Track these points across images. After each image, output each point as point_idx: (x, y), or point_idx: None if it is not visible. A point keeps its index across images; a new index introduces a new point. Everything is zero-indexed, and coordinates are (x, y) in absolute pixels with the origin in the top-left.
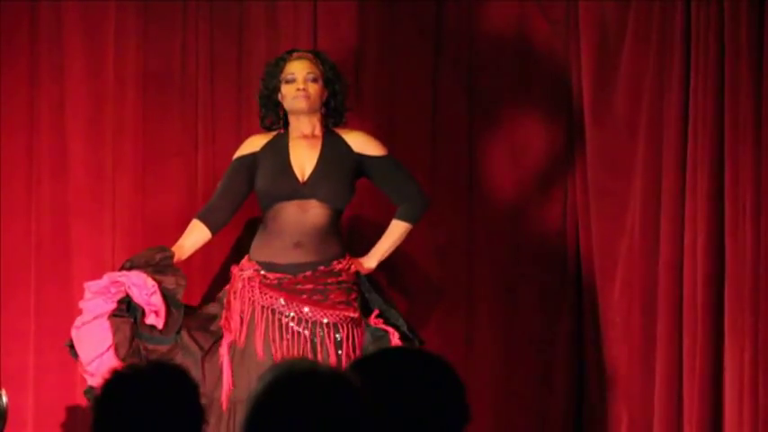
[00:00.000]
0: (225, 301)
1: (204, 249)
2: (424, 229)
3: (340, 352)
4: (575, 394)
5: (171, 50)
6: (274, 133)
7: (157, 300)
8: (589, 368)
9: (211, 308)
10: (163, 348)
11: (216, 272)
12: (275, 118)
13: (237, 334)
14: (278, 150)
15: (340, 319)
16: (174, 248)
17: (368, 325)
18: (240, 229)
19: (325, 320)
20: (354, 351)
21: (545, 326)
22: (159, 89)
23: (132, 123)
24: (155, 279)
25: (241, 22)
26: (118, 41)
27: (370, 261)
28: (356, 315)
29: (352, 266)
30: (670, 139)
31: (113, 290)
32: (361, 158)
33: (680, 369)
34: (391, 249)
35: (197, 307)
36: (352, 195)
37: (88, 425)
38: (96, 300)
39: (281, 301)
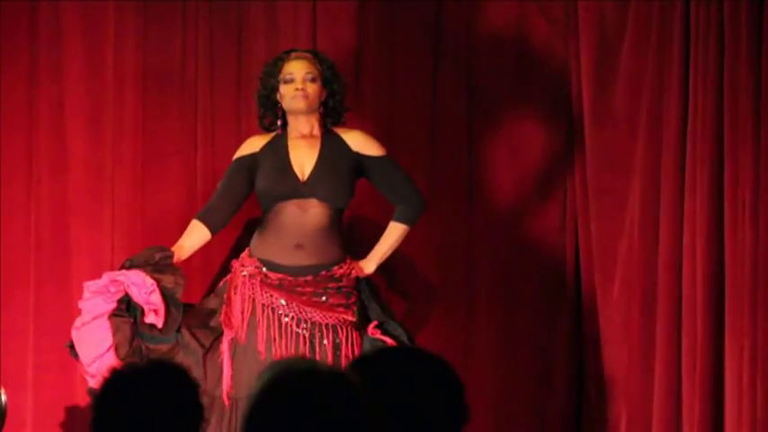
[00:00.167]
0: (225, 296)
1: (204, 249)
2: (424, 230)
3: (338, 352)
4: (574, 394)
5: (170, 50)
6: (273, 134)
7: (156, 298)
8: (589, 368)
9: (211, 302)
10: (164, 347)
11: (215, 271)
12: (274, 118)
13: (238, 331)
14: (277, 150)
15: (339, 321)
16: (173, 248)
17: (366, 335)
18: (240, 229)
19: (325, 323)
20: (353, 354)
21: (545, 326)
22: (159, 88)
23: (132, 123)
24: (153, 278)
25: (240, 22)
26: (117, 41)
27: (370, 264)
28: (354, 319)
29: (353, 272)
30: (669, 138)
31: (113, 289)
32: (360, 158)
33: (679, 368)
34: (390, 251)
35: (196, 303)
36: (352, 194)
37: (87, 424)
38: (95, 299)
39: (282, 301)
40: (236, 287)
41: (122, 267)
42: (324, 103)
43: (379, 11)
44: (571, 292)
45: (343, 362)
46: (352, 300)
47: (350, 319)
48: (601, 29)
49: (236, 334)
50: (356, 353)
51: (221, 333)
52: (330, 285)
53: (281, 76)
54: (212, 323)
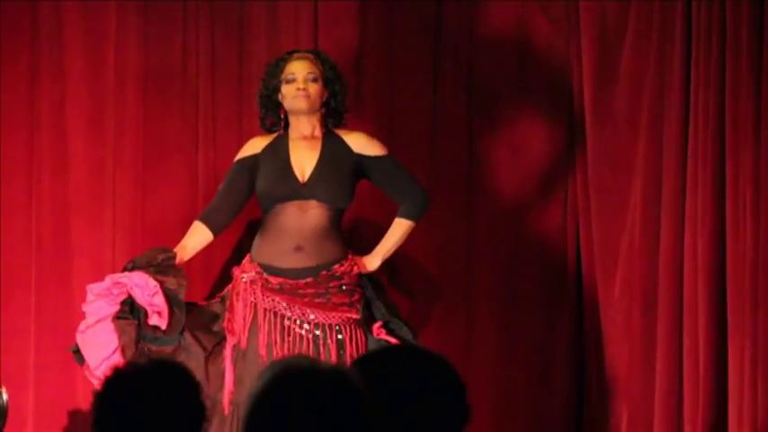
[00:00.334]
0: (227, 302)
1: (205, 250)
2: (424, 229)
3: (342, 352)
4: (575, 394)
5: (171, 49)
6: (275, 135)
7: (159, 300)
8: (589, 367)
9: (215, 306)
10: (167, 349)
11: (217, 273)
12: (275, 119)
13: (240, 336)
14: (278, 152)
15: (342, 320)
16: (176, 249)
17: (371, 335)
18: (241, 231)
19: (327, 323)
20: (357, 352)
21: (545, 325)
22: (160, 88)
23: (133, 122)
24: (156, 279)
25: (242, 22)
26: (118, 41)
27: (374, 260)
28: (358, 317)
29: (355, 268)
30: (670, 137)
31: (116, 291)
32: (362, 159)
33: (680, 368)
34: (395, 248)
35: (199, 305)
36: (352, 196)
37: (88, 423)
38: (99, 302)
39: (284, 304)
40: (237, 294)
41: (125, 269)
42: (325, 104)
43: (380, 11)
44: (572, 292)
45: (348, 361)
46: (356, 297)
47: (354, 317)
48: (602, 28)
49: (238, 339)
50: (361, 352)
51: (224, 338)
52: (332, 284)
53: (283, 76)
54: (215, 328)
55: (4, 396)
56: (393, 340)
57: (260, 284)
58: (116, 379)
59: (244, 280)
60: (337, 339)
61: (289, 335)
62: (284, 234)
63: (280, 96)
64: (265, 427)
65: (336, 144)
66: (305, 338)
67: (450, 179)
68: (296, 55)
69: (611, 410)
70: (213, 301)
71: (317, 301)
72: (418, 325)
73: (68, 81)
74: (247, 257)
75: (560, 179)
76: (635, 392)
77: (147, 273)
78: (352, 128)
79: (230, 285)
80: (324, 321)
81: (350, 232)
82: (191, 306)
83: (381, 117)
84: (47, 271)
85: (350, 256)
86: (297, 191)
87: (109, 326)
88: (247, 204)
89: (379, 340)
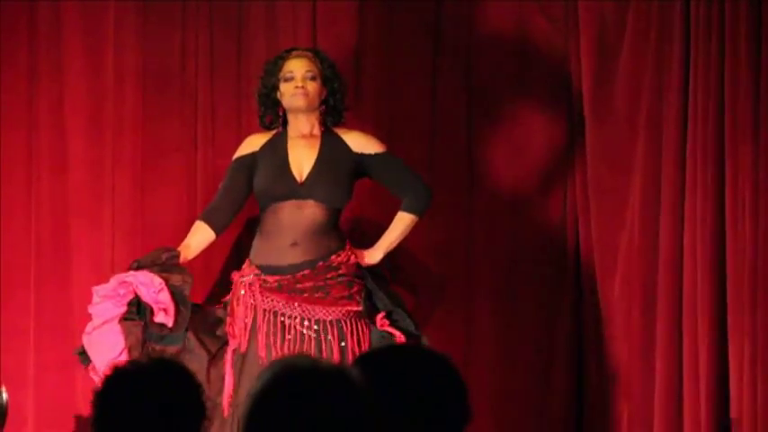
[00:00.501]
0: (229, 308)
1: (205, 250)
2: (424, 227)
3: (343, 344)
4: (575, 392)
5: (170, 49)
6: (273, 132)
7: (165, 297)
8: (589, 366)
9: (218, 311)
10: (172, 350)
11: (218, 271)
12: (274, 116)
13: (241, 339)
14: (276, 150)
15: (342, 314)
16: (180, 248)
17: (374, 326)
18: (240, 229)
19: (328, 318)
20: (360, 345)
21: (545, 323)
22: (159, 88)
23: (132, 122)
24: (161, 277)
25: (240, 21)
26: (117, 40)
27: (376, 253)
28: (359, 308)
29: (352, 257)
30: (670, 136)
31: (122, 291)
32: (361, 158)
33: (680, 367)
34: (397, 241)
35: (204, 308)
36: (350, 195)
37: (88, 422)
38: (105, 303)
39: (283, 302)
40: (238, 298)
41: (130, 269)
42: (324, 102)
43: (379, 10)
44: (571, 290)
45: (350, 356)
46: (355, 289)
47: (354, 309)
48: (601, 27)
49: (239, 343)
50: (363, 345)
51: (226, 342)
52: (329, 275)
53: (282, 74)
54: (219, 332)
55: (4, 396)
56: (396, 332)
57: (258, 285)
58: (116, 378)
59: (242, 283)
60: (338, 334)
61: (289, 333)
62: (281, 232)
63: (278, 94)
64: (264, 427)
65: (335, 143)
66: (306, 336)
67: (450, 178)
68: (294, 53)
69: (611, 410)
70: (216, 307)
71: (316, 296)
72: (419, 324)
73: (67, 80)
74: (246, 262)
75: (559, 178)
76: (635, 392)
77: (151, 271)
78: (352, 128)
79: (231, 292)
80: (324, 317)
81: (350, 230)
82: (196, 308)
83: (381, 117)
84: (46, 270)
85: (348, 247)
86: (294, 190)
87: (116, 327)
88: (246, 202)
89: (382, 332)
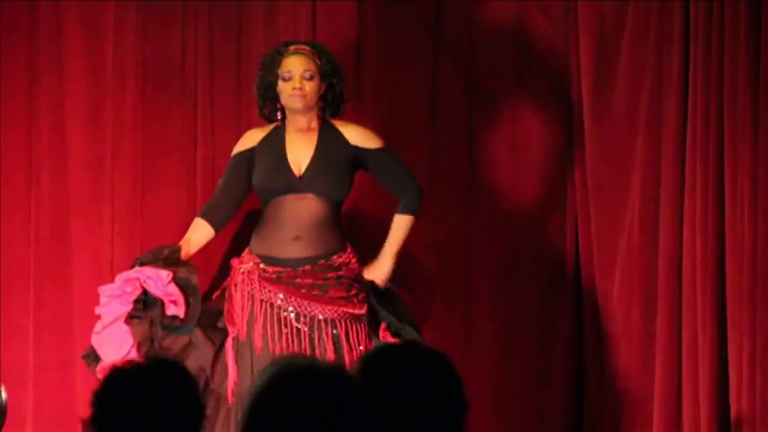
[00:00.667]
0: (227, 293)
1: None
2: (423, 227)
3: (338, 346)
4: (574, 392)
5: (170, 47)
6: (272, 126)
7: (174, 289)
8: (589, 366)
9: (219, 303)
10: (182, 341)
11: (216, 265)
12: (274, 108)
13: (239, 328)
14: (274, 145)
15: (338, 314)
16: (181, 243)
17: (376, 338)
18: (240, 222)
19: (322, 317)
20: (356, 347)
21: (544, 323)
22: (158, 86)
23: (131, 120)
24: (167, 270)
25: (240, 20)
26: (117, 38)
27: (385, 263)
28: (357, 311)
29: (353, 261)
30: (669, 135)
31: (128, 289)
32: (358, 151)
33: (680, 366)
34: (400, 244)
35: (206, 303)
36: (350, 187)
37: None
38: (112, 303)
39: (280, 295)
40: (235, 285)
41: (132, 267)
42: (322, 97)
43: (379, 9)
44: (571, 290)
45: (346, 357)
46: (353, 292)
47: (349, 311)
48: (600, 26)
49: (238, 331)
50: (362, 345)
51: (228, 334)
52: (329, 275)
53: (280, 71)
54: (220, 324)
55: (4, 395)
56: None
57: (257, 275)
58: (115, 377)
59: (242, 271)
60: (333, 334)
61: (285, 326)
62: (282, 225)
63: (277, 89)
64: (263, 426)
65: (333, 136)
66: (301, 331)
67: (450, 177)
68: (292, 48)
69: (612, 410)
70: (215, 295)
71: (314, 293)
72: (418, 324)
73: (67, 79)
74: (246, 250)
75: (559, 177)
76: (634, 391)
77: (156, 266)
78: (350, 122)
79: (229, 277)
80: (320, 315)
81: (348, 224)
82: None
83: (380, 115)
84: (46, 269)
85: (349, 249)
86: (293, 184)
87: (123, 326)
88: (246, 198)
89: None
